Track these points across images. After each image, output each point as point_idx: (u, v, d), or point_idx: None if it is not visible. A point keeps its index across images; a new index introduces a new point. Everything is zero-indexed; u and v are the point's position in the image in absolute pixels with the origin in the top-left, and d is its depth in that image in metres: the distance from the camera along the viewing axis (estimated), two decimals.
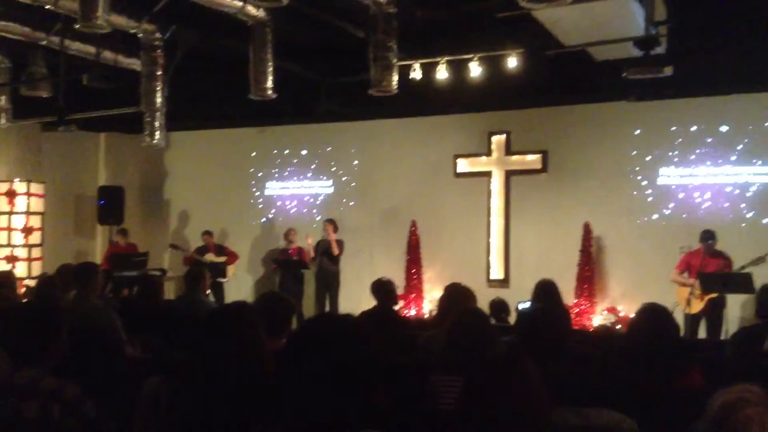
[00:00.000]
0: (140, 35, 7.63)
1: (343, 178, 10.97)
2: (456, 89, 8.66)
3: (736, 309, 7.73)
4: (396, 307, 7.82)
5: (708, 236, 7.75)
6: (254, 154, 11.52)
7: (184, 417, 2.45)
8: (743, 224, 8.47)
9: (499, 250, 9.91)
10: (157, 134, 8.19)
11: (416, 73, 7.98)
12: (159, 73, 7.83)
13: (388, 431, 1.96)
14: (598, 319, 9.07)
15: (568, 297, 8.96)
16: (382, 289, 5.51)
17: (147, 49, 7.74)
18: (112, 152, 12.11)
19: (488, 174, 9.99)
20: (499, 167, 9.93)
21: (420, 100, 9.25)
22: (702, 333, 7.68)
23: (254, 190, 11.51)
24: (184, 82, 8.48)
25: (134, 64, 8.27)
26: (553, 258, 9.19)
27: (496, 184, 9.95)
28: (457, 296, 4.63)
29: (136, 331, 4.76)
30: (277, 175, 11.40)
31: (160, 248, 11.54)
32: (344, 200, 10.95)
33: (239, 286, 10.56)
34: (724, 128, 8.70)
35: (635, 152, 9.15)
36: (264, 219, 11.45)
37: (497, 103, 9.60)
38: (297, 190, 11.29)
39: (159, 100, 7.94)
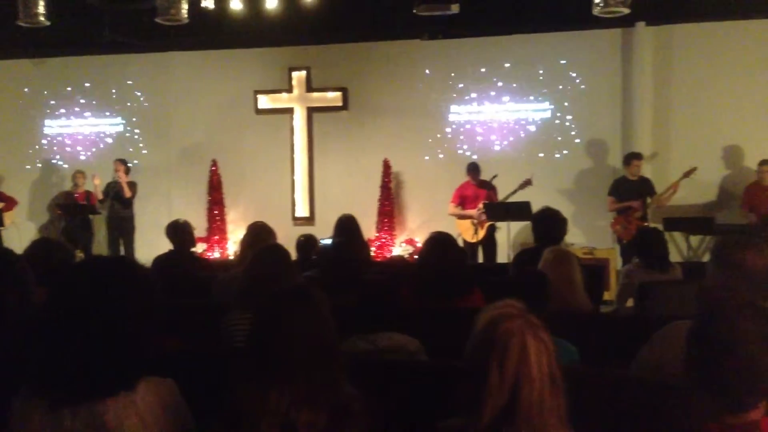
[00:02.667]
0: None
1: (134, 115, 10.28)
2: (253, 22, 8.35)
3: (504, 235, 8.37)
4: (196, 249, 7.62)
5: (474, 168, 8.33)
6: (27, 89, 10.39)
7: None
8: (527, 157, 9.17)
9: (303, 188, 9.92)
10: None
11: (209, 2, 7.56)
12: None
13: (176, 374, 1.90)
14: (397, 250, 9.48)
15: (370, 231, 9.25)
16: (178, 231, 5.30)
17: None
18: None
19: (290, 111, 9.88)
20: (301, 104, 9.84)
21: (215, 32, 8.82)
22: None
23: (31, 128, 10.43)
24: None
25: None
26: (356, 194, 9.37)
27: (299, 121, 9.87)
28: (257, 234, 4.57)
29: None
30: (57, 112, 10.41)
31: None
32: (136, 138, 10.29)
33: (21, 234, 9.61)
34: (507, 66, 9.27)
35: (428, 89, 9.48)
36: (47, 160, 10.46)
37: (297, 38, 9.43)
38: (81, 129, 10.39)
39: None
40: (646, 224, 7.61)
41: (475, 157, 9.06)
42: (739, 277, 2.12)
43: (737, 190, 8.31)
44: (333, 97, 9.74)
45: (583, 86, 9.05)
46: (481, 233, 8.19)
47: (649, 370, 2.23)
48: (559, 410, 1.60)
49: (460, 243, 8.09)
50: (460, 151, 9.40)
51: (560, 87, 9.12)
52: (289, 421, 1.69)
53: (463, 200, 8.40)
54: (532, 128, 9.27)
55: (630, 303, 4.71)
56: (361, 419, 1.73)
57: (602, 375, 2.38)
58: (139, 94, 10.23)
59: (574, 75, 9.06)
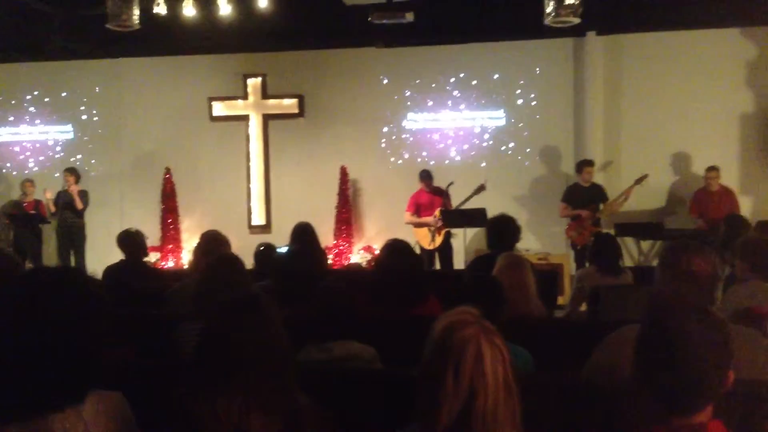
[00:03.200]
0: None
1: (85, 123, 10.06)
2: (207, 28, 8.25)
3: (460, 241, 8.44)
4: (149, 259, 7.48)
5: (426, 175, 8.38)
6: None
7: None
8: (482, 163, 9.26)
9: (259, 196, 9.84)
10: None
11: (161, 8, 7.44)
12: None
13: (125, 385, 1.85)
14: (356, 258, 9.46)
15: (328, 238, 9.21)
16: (129, 240, 5.20)
17: None
18: None
19: (246, 118, 9.80)
20: (257, 111, 9.77)
21: (167, 39, 8.71)
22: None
23: None
24: None
25: None
26: (313, 201, 9.33)
27: (254, 128, 9.80)
28: (210, 243, 4.50)
29: None
30: (6, 120, 10.13)
31: None
32: (87, 146, 10.07)
33: None
34: (462, 74, 9.36)
35: (385, 97, 9.52)
36: None
37: (252, 44, 9.37)
38: (31, 136, 10.13)
39: None
40: (599, 230, 7.75)
41: (432, 163, 9.12)
42: (685, 282, 2.18)
43: (686, 196, 8.53)
44: (289, 104, 9.70)
45: (536, 94, 9.19)
46: (438, 240, 8.24)
47: (601, 374, 2.26)
48: (514, 416, 1.61)
49: (417, 250, 8.12)
50: (417, 159, 9.45)
51: (514, 95, 9.25)
52: (241, 430, 1.66)
53: (418, 208, 8.43)
54: (488, 136, 9.37)
55: (584, 307, 4.78)
56: (314, 428, 1.71)
57: (554, 380, 2.40)
58: (89, 101, 10.02)
59: (528, 83, 9.20)
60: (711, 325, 1.51)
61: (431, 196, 8.36)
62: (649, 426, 1.52)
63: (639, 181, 8.07)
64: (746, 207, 8.20)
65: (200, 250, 4.51)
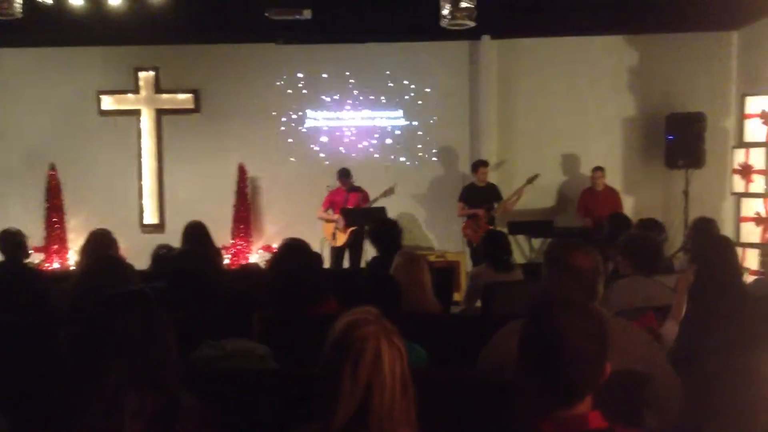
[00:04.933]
0: None
1: None
2: (96, 18, 7.86)
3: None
4: (32, 260, 7.07)
5: (344, 174, 8.41)
6: None
7: None
8: (382, 163, 9.34)
9: (152, 194, 9.50)
10: None
11: None
12: None
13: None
14: (255, 257, 9.30)
15: (226, 238, 9.02)
16: (8, 240, 4.90)
17: None
18: None
19: (137, 112, 9.45)
20: (149, 106, 9.44)
21: (54, 29, 8.23)
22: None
23: None
24: None
25: None
26: (210, 200, 9.11)
27: (146, 123, 9.46)
28: (96, 243, 4.33)
29: None
30: None
31: None
32: None
33: None
34: (363, 74, 9.40)
35: (284, 94, 9.42)
36: None
37: (144, 36, 9.00)
38: None
39: None
40: (493, 228, 7.99)
41: (327, 163, 9.11)
42: (567, 278, 2.27)
43: (574, 196, 8.92)
44: (184, 99, 9.42)
45: (434, 95, 9.35)
46: (343, 238, 8.25)
47: (491, 368, 2.32)
48: (409, 413, 1.64)
49: (327, 248, 8.13)
50: (317, 157, 9.41)
51: (413, 96, 9.38)
52: (111, 425, 1.61)
53: (332, 205, 8.45)
54: (387, 135, 9.46)
55: (479, 303, 4.91)
56: (189, 425, 1.68)
57: (446, 376, 2.45)
58: None
59: (426, 84, 9.35)
60: (589, 319, 1.58)
61: (347, 194, 8.36)
62: (533, 419, 1.57)
63: (531, 180, 8.38)
64: (629, 206, 8.67)
65: (86, 250, 4.33)
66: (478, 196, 8.36)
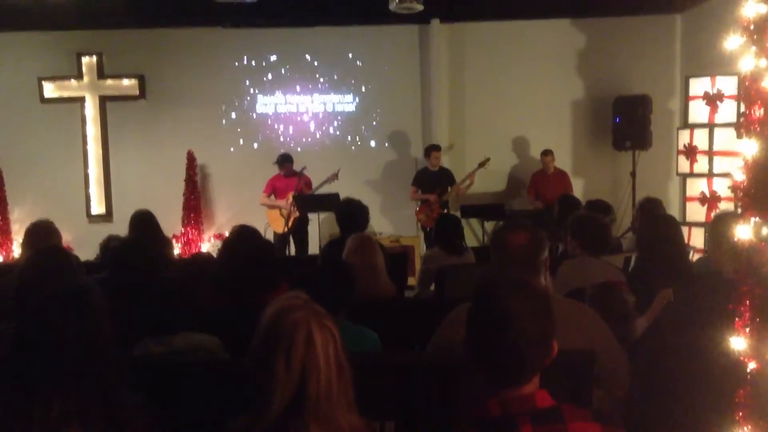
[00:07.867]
0: None
1: None
2: (36, 2, 7.60)
3: (315, 226, 8.41)
4: None
5: (282, 159, 8.33)
6: None
7: None
8: (333, 148, 9.27)
9: (98, 183, 9.27)
10: None
11: None
12: None
13: None
14: (206, 246, 9.17)
15: (176, 227, 8.86)
16: None
17: None
18: None
19: (81, 99, 9.18)
20: (93, 92, 9.18)
21: None
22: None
23: None
24: None
25: None
26: (159, 188, 8.94)
27: (90, 110, 9.20)
28: (37, 234, 4.18)
29: None
30: None
31: None
32: None
33: None
34: (313, 57, 9.29)
35: (232, 79, 9.26)
36: None
37: (86, 21, 8.72)
38: None
39: None
40: (446, 212, 8.02)
41: (282, 150, 9.01)
42: (507, 258, 2.28)
43: (525, 178, 9.02)
44: (128, 85, 9.19)
45: (385, 80, 9.30)
46: (290, 224, 8.17)
47: (443, 351, 2.32)
48: (347, 396, 1.62)
49: (270, 235, 8.02)
50: (267, 143, 9.29)
51: (364, 80, 9.31)
52: None
53: (274, 191, 8.35)
54: (339, 120, 9.39)
55: (433, 287, 4.92)
56: (140, 428, 1.62)
57: (396, 359, 2.44)
58: None
59: (377, 69, 9.29)
60: (533, 298, 1.58)
61: (287, 180, 8.28)
62: (482, 399, 1.57)
63: (482, 164, 8.43)
64: (578, 187, 8.80)
65: (27, 242, 4.19)
66: (431, 181, 8.37)
